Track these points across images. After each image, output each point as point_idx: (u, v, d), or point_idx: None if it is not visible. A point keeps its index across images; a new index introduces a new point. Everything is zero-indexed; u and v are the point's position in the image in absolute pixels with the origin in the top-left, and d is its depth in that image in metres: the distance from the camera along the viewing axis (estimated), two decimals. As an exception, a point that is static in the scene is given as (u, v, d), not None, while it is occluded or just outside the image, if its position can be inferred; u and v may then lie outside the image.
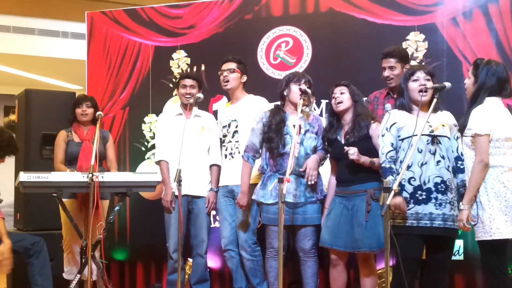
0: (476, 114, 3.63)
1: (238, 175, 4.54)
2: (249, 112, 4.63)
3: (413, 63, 4.85)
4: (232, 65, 4.73)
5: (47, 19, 8.77)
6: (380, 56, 4.43)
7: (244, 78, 4.78)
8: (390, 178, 3.66)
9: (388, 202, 3.21)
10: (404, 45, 4.94)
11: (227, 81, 4.72)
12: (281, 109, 4.32)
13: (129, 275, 5.69)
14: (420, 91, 3.75)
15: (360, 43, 5.10)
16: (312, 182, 4.13)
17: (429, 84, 3.77)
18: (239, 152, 4.59)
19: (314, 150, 4.26)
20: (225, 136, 4.77)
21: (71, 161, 4.93)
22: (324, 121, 4.48)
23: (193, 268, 4.87)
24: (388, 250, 3.20)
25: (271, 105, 4.71)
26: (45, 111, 5.63)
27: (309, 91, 4.18)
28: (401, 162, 3.73)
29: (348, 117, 4.10)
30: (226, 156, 4.74)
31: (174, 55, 5.71)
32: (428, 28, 4.93)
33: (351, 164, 3.93)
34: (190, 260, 4.99)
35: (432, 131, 3.69)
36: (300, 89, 4.13)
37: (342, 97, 4.10)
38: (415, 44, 4.95)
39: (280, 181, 3.55)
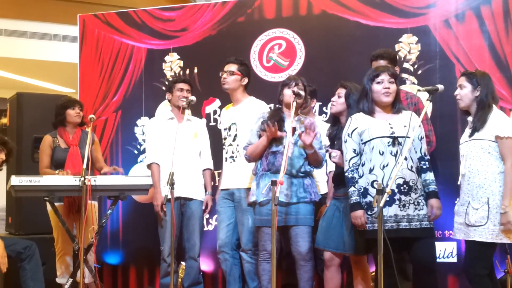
0: (501, 118, 3.70)
1: (239, 178, 4.55)
2: (248, 115, 4.58)
3: (406, 65, 4.87)
4: (233, 67, 4.67)
5: (39, 22, 8.74)
6: (370, 59, 4.44)
7: (245, 81, 4.70)
8: (351, 189, 3.68)
9: (381, 205, 3.20)
10: (397, 47, 4.95)
11: (225, 83, 4.69)
12: (281, 110, 4.31)
13: (122, 278, 5.67)
14: (385, 93, 3.73)
15: (353, 46, 5.10)
16: (306, 140, 4.07)
17: (393, 87, 3.74)
18: (240, 156, 4.57)
19: None
20: (225, 139, 4.75)
21: (57, 166, 4.87)
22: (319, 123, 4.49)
23: (186, 271, 4.85)
24: (382, 252, 3.19)
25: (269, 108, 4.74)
26: (37, 114, 5.61)
27: (302, 93, 4.16)
28: (363, 165, 3.72)
29: (343, 120, 4.06)
30: (226, 159, 4.71)
31: (167, 58, 5.70)
32: (421, 30, 4.94)
33: (342, 167, 3.92)
34: (183, 263, 4.97)
35: (393, 133, 3.67)
36: (293, 92, 4.12)
37: (337, 100, 4.08)
38: (408, 47, 4.96)
39: (273, 183, 3.53)
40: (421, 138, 3.79)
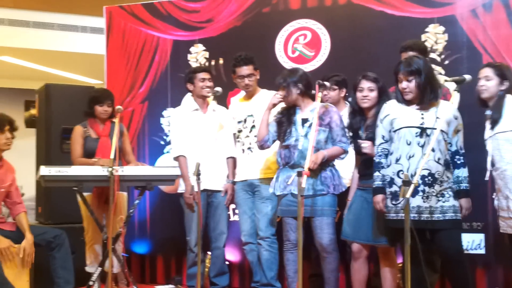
0: None
1: (257, 169, 4.61)
2: (265, 106, 4.62)
3: (432, 55, 4.82)
4: (250, 69, 4.69)
5: (66, 14, 8.81)
6: (399, 49, 4.40)
7: (258, 75, 4.77)
8: (376, 174, 3.75)
9: (408, 196, 3.19)
10: (423, 37, 4.91)
11: (249, 86, 4.72)
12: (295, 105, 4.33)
13: (150, 268, 5.74)
14: (402, 94, 3.71)
15: (378, 36, 5.08)
16: (311, 167, 4.02)
17: (412, 84, 3.67)
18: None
19: (325, 142, 4.23)
20: (240, 131, 4.78)
21: (88, 157, 4.90)
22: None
23: (212, 261, 4.89)
24: (409, 243, 3.18)
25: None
26: (65, 105, 5.68)
27: (327, 84, 4.19)
28: (391, 154, 3.73)
29: (371, 113, 4.05)
30: (243, 150, 4.75)
31: (192, 49, 5.72)
32: (447, 20, 4.89)
33: (371, 158, 3.91)
34: (210, 253, 5.01)
35: (423, 123, 3.65)
36: (318, 83, 4.12)
37: (370, 94, 4.04)
38: (435, 37, 4.91)
39: (299, 174, 3.54)
40: (457, 131, 3.73)
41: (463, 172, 3.71)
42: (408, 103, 3.74)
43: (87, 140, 4.94)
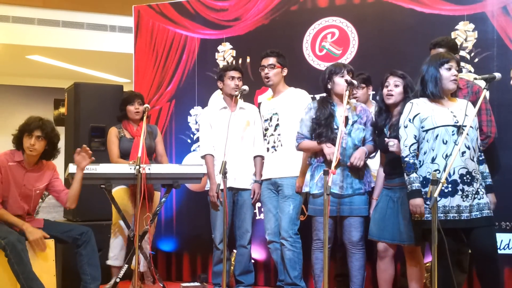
0: None
1: (281, 167, 4.59)
2: (290, 105, 4.64)
3: (462, 53, 4.76)
4: (272, 60, 4.71)
5: (95, 14, 8.91)
6: (428, 47, 4.36)
7: (285, 72, 4.77)
8: (413, 175, 3.60)
9: (435, 195, 3.15)
10: (453, 35, 4.84)
11: (269, 78, 4.72)
12: (329, 101, 4.27)
13: (176, 265, 5.75)
14: (453, 81, 3.65)
15: (407, 34, 5.02)
16: (357, 164, 4.06)
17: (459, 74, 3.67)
18: (281, 145, 4.60)
19: (363, 142, 4.21)
20: (266, 129, 4.77)
21: (123, 157, 4.95)
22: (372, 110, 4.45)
23: (236, 259, 4.90)
24: (436, 243, 3.14)
25: (311, 98, 4.76)
26: (93, 103, 5.72)
27: (355, 82, 4.12)
28: (424, 153, 3.64)
29: (396, 111, 4.00)
30: (268, 149, 4.74)
31: (220, 48, 5.73)
32: (478, 18, 4.82)
33: (397, 157, 3.86)
34: (235, 251, 5.01)
35: (457, 121, 3.59)
36: (346, 81, 4.08)
37: (395, 90, 4.00)
38: (465, 34, 4.84)
39: (326, 173, 3.51)
40: (477, 128, 3.71)
41: (485, 168, 3.70)
42: (436, 101, 3.69)
43: (122, 141, 4.99)
